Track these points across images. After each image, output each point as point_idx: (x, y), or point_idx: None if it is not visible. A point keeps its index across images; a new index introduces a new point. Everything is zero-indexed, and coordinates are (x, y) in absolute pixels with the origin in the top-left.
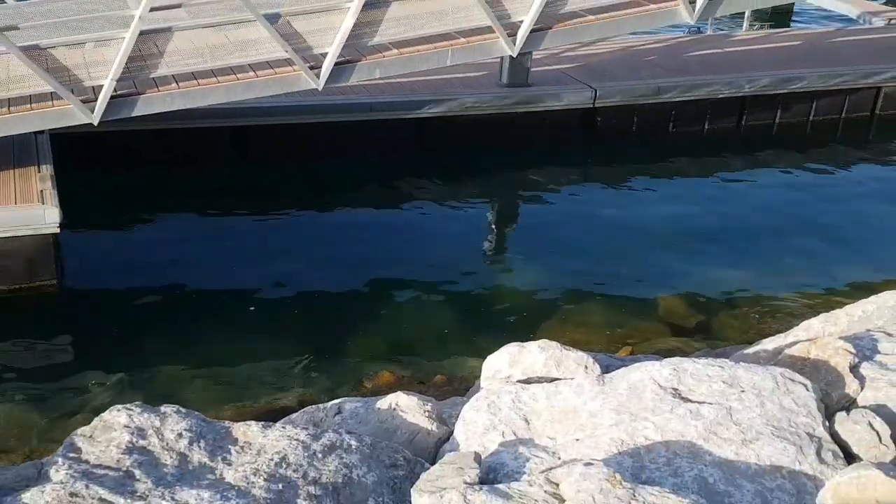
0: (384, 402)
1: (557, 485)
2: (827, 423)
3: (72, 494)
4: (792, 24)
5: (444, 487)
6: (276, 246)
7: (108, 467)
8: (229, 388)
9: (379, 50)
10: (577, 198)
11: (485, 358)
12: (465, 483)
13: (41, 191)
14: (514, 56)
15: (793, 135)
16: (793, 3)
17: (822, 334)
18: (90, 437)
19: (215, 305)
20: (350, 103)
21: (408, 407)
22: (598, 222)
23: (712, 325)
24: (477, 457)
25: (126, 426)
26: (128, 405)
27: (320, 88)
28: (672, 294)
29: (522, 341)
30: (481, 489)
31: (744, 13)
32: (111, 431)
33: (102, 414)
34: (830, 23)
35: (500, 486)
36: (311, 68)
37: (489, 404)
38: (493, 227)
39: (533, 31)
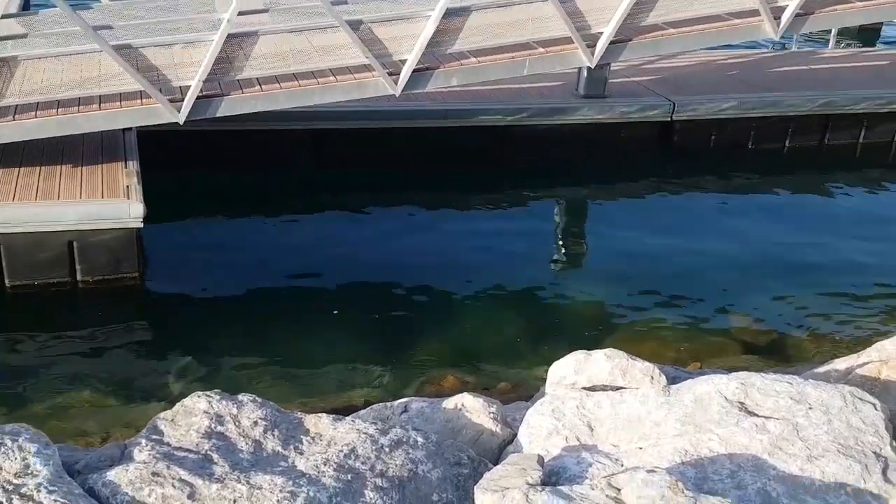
0: (450, 403)
1: (619, 490)
2: (894, 444)
3: (154, 474)
4: (879, 44)
5: (507, 487)
6: (348, 248)
7: (188, 450)
8: (299, 384)
9: (457, 58)
10: (652, 212)
11: (550, 366)
12: (528, 484)
13: (127, 186)
14: (592, 67)
15: (876, 155)
16: (881, 23)
17: (895, 356)
18: (172, 420)
19: (289, 304)
20: (427, 110)
21: (473, 408)
22: (671, 237)
23: (784, 344)
24: (540, 459)
25: (206, 412)
26: (208, 392)
27: (398, 94)
28: (744, 313)
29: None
30: (543, 490)
31: (830, 31)
32: (192, 416)
33: (184, 399)
34: None
35: (562, 487)
36: (390, 74)
37: (553, 409)
38: (564, 237)
39: (612, 42)
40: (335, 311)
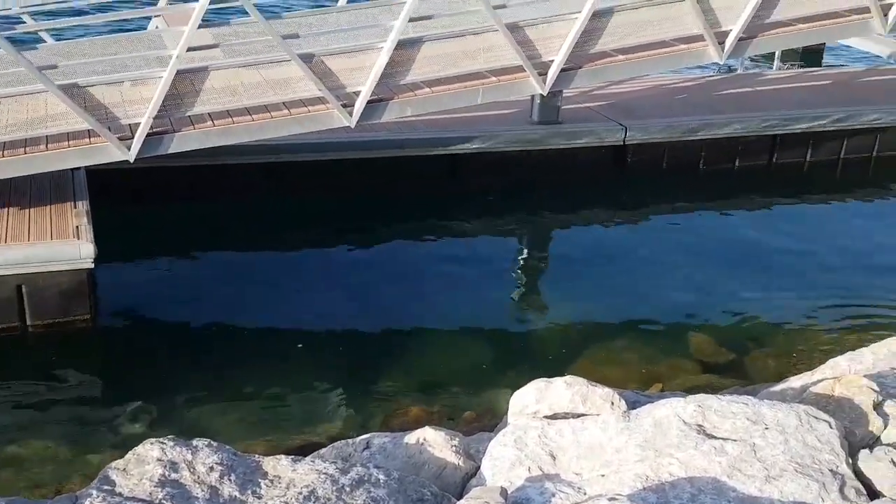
0: (412, 437)
1: None
2: (850, 461)
3: None
4: (823, 63)
5: None
6: (305, 282)
7: (141, 500)
8: (260, 422)
9: (411, 88)
10: (609, 234)
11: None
12: None
13: (77, 226)
14: (545, 95)
15: (824, 173)
16: (823, 43)
17: (847, 372)
18: (124, 470)
19: (248, 341)
20: (382, 139)
21: (435, 442)
22: (629, 259)
23: (743, 362)
24: (503, 492)
25: (159, 459)
26: (161, 439)
27: (353, 126)
28: (703, 331)
29: (554, 376)
30: None
31: (774, 53)
32: (144, 465)
33: (136, 448)
34: (861, 62)
35: None
36: (344, 106)
37: (516, 439)
38: (525, 263)
39: (563, 70)
40: (300, 346)
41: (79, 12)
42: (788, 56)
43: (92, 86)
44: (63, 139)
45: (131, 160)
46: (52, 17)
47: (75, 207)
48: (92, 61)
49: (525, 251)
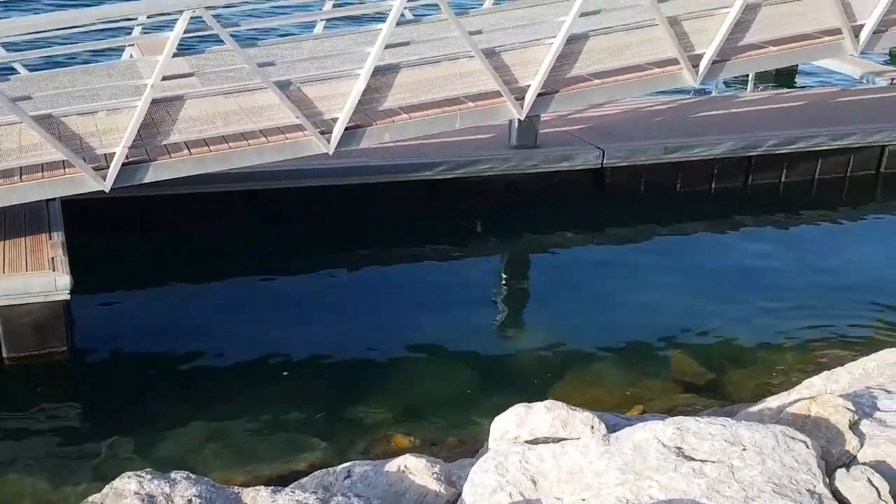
0: (393, 465)
1: None
2: (827, 480)
3: None
4: (796, 85)
5: None
6: (286, 309)
7: None
8: (240, 452)
9: (389, 114)
10: (588, 256)
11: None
12: None
13: (52, 258)
14: (522, 119)
15: (798, 193)
16: (796, 65)
17: (823, 392)
18: None
19: (226, 369)
20: (361, 166)
21: (416, 469)
22: (608, 281)
23: (722, 382)
24: None
25: (136, 493)
26: (138, 472)
27: (331, 153)
28: (683, 351)
29: (538, 400)
30: None
31: (748, 75)
32: (122, 499)
33: (113, 482)
34: (834, 83)
35: None
36: (322, 133)
37: (497, 465)
38: (506, 287)
39: (540, 94)
40: (284, 374)
41: (52, 43)
42: (762, 78)
43: (66, 116)
44: (37, 170)
45: (107, 190)
46: (25, 48)
47: (51, 239)
48: (66, 91)
49: (505, 275)
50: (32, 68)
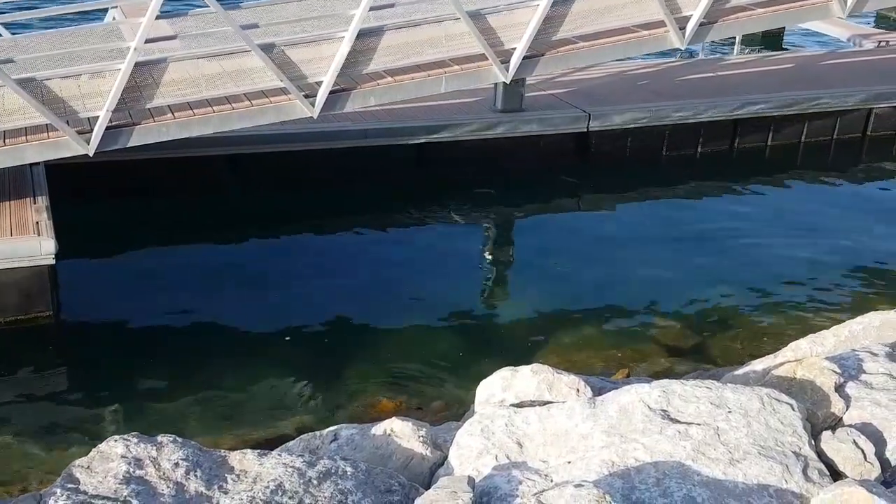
0: (379, 429)
1: None
2: (813, 442)
3: None
4: (783, 48)
5: None
6: (271, 274)
7: (106, 497)
8: (227, 416)
9: (373, 78)
10: (573, 221)
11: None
12: None
13: (37, 222)
14: (507, 83)
15: (785, 157)
16: (783, 28)
17: (809, 354)
18: (88, 467)
19: (212, 334)
20: (346, 130)
21: (402, 433)
22: (594, 245)
23: (707, 345)
24: (470, 481)
25: (123, 456)
26: (125, 435)
27: (315, 117)
28: (669, 316)
29: (523, 364)
30: None
31: (735, 38)
32: (109, 462)
33: (100, 445)
34: (821, 46)
35: None
36: (307, 97)
37: (482, 428)
38: (491, 252)
39: (525, 57)
40: (271, 338)
41: (34, 6)
42: (749, 41)
43: (49, 79)
44: (21, 134)
45: (90, 154)
46: (6, 9)
47: (35, 203)
48: (49, 54)
49: (490, 239)
50: (15, 31)
